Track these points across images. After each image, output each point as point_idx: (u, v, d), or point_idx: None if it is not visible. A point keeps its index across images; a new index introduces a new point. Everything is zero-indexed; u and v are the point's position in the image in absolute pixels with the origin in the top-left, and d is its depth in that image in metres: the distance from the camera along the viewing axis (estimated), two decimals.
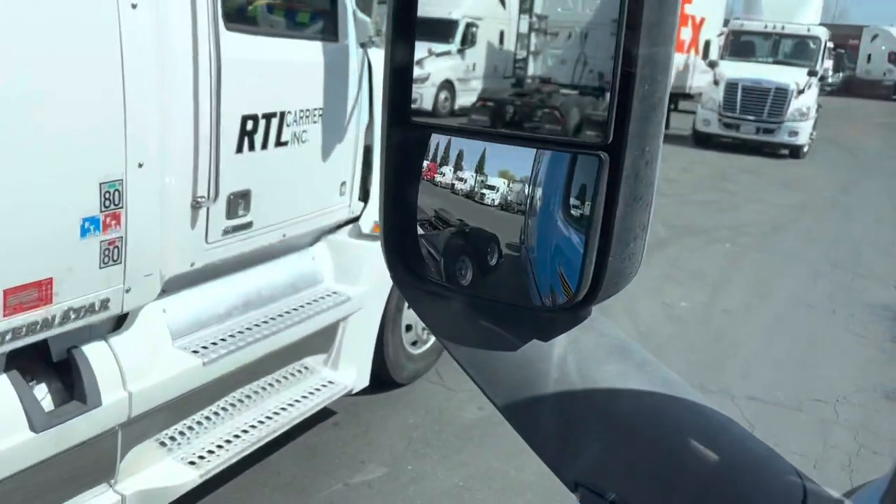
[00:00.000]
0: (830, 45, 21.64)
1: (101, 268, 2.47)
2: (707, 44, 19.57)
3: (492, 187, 0.60)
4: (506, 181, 0.59)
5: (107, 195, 2.41)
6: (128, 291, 2.61)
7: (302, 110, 3.40)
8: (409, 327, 4.50)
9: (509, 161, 0.60)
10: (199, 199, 2.93)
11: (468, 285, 0.64)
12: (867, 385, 5.43)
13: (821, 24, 19.65)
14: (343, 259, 3.96)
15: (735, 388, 5.16)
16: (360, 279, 3.94)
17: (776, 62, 18.21)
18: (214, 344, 3.15)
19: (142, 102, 2.47)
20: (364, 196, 4.09)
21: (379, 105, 3.52)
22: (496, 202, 0.59)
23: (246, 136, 3.12)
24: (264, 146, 3.23)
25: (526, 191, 0.58)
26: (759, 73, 17.41)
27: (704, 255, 8.49)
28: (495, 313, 0.64)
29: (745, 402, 4.94)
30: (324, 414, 4.14)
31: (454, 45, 13.24)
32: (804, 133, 17.30)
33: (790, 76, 17.17)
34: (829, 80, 22.97)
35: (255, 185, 3.24)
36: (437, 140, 0.64)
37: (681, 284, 7.34)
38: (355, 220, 4.04)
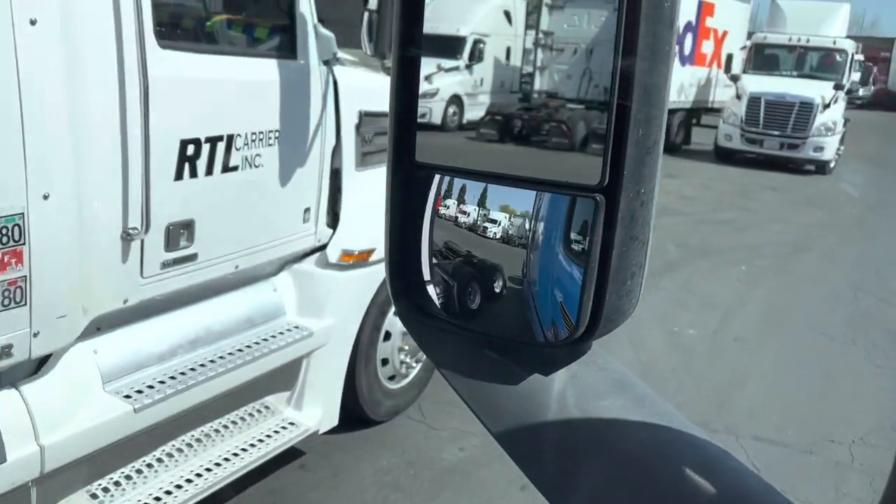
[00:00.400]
0: (860, 57, 21.11)
1: None
2: (729, 57, 19.15)
3: (494, 221, 0.61)
4: (507, 215, 0.60)
5: (3, 231, 2.18)
6: (36, 335, 2.37)
7: (254, 133, 3.16)
8: (385, 361, 4.23)
9: (510, 196, 0.61)
10: (129, 231, 2.70)
11: (472, 320, 0.65)
12: (887, 423, 5.03)
13: (848, 37, 19.13)
14: (308, 290, 3.70)
15: (741, 427, 4.80)
16: (325, 312, 3.68)
17: (801, 76, 17.74)
18: (151, 387, 2.90)
19: (46, 128, 2.24)
20: (333, 222, 3.84)
21: (346, 125, 3.27)
22: (498, 236, 0.61)
23: (186, 161, 2.88)
24: (209, 172, 2.98)
25: (527, 225, 0.59)
26: (783, 87, 16.97)
27: (718, 278, 8.11)
28: (498, 347, 0.65)
29: (752, 444, 4.58)
30: (291, 454, 3.87)
31: (462, 61, 13.34)
32: (830, 148, 16.80)
33: (815, 90, 16.70)
34: (860, 93, 22.36)
35: (200, 215, 3.00)
36: (441, 175, 0.65)
37: (690, 310, 6.98)
38: (323, 248, 3.79)
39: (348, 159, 3.81)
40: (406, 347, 4.27)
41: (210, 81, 2.95)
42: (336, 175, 3.79)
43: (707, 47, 19.65)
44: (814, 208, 12.98)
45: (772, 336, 6.59)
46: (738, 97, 17.50)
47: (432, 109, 12.17)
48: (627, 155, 0.54)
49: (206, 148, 2.94)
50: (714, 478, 0.56)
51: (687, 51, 18.59)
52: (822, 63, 17.89)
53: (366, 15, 3.11)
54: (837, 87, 16.97)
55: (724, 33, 20.34)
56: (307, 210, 3.62)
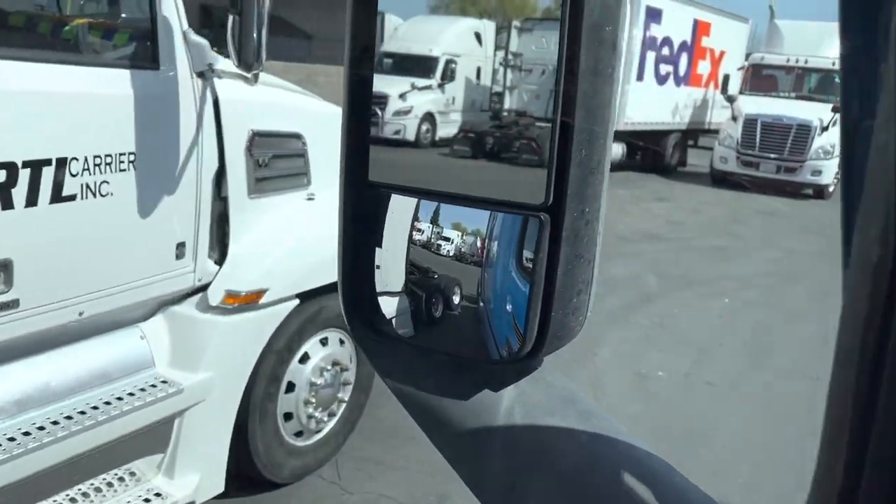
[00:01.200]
0: None
1: None
2: (726, 78, 18.68)
3: (447, 239, 0.62)
4: (459, 233, 0.61)
5: None
6: None
7: (98, 156, 2.66)
8: (289, 416, 3.70)
9: (462, 214, 0.61)
10: None
11: (426, 338, 0.66)
12: None
13: None
14: (183, 338, 3.19)
15: (702, 490, 4.24)
16: (202, 363, 3.16)
17: (799, 97, 17.27)
18: None
19: None
20: (220, 257, 3.34)
21: (232, 146, 2.77)
22: (451, 253, 0.62)
23: None
24: (31, 203, 2.48)
25: (478, 243, 0.61)
26: (780, 109, 16.51)
27: (697, 313, 7.56)
28: (450, 364, 0.66)
29: None
30: None
31: (435, 80, 13.38)
32: (829, 172, 16.28)
33: (813, 112, 16.22)
34: None
35: (20, 253, 2.50)
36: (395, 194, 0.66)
37: (662, 349, 6.43)
38: (207, 287, 3.28)
39: (237, 186, 3.31)
40: (313, 400, 3.75)
41: (28, 94, 2.45)
42: (224, 204, 3.30)
43: (703, 67, 19.22)
44: (809, 235, 12.43)
45: (749, 380, 6.03)
46: (735, 119, 17.06)
47: (406, 126, 12.08)
48: (571, 174, 0.55)
49: (24, 174, 2.45)
50: (659, 492, 0.56)
51: (682, 71, 18.17)
52: (821, 84, 17.39)
53: (230, 19, 2.63)
54: (836, 109, 16.44)
55: (722, 53, 19.92)
56: (181, 245, 3.11)
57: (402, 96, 12.00)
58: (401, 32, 10.95)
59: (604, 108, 0.55)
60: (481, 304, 0.61)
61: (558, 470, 0.60)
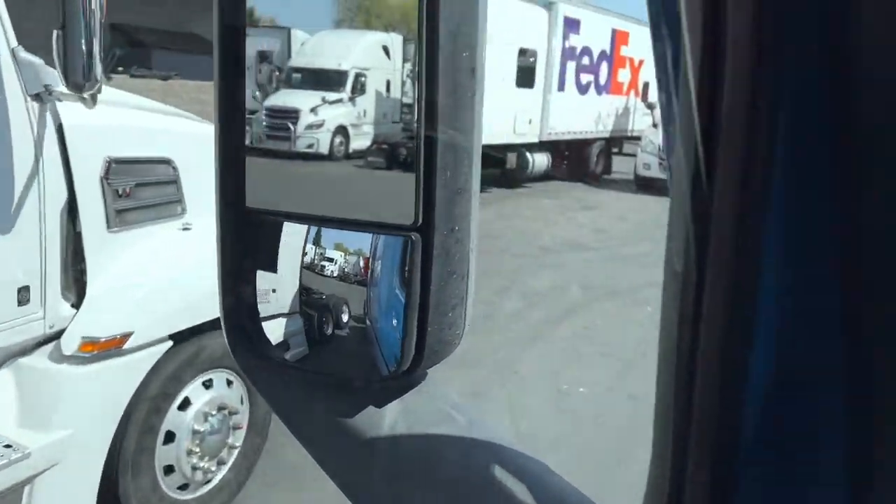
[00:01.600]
0: None
1: None
2: (646, 85, 18.98)
3: (330, 259, 0.63)
4: (342, 254, 0.62)
5: None
6: None
7: None
8: (170, 468, 3.35)
9: (343, 234, 0.62)
10: None
11: (314, 360, 0.66)
12: None
13: None
14: (32, 393, 2.83)
15: None
16: (54, 421, 2.81)
17: None
18: None
19: None
20: (79, 300, 2.99)
21: (83, 176, 2.44)
22: (335, 273, 0.62)
23: None
24: None
25: (361, 262, 0.61)
26: None
27: (621, 323, 7.46)
28: (337, 385, 0.66)
29: None
30: None
31: (345, 94, 13.09)
32: None
33: None
34: None
35: None
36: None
37: (585, 363, 6.28)
38: (62, 334, 2.93)
39: (93, 219, 2.98)
40: (198, 450, 3.41)
41: None
42: (78, 240, 2.96)
43: (623, 76, 19.48)
44: None
45: None
46: (655, 125, 17.29)
47: (319, 140, 11.74)
48: (437, 196, 0.56)
49: None
50: (536, 494, 0.58)
51: (602, 80, 18.36)
52: None
53: (54, 35, 2.31)
54: None
55: (641, 62, 20.23)
56: (24, 289, 2.76)
57: (313, 110, 11.68)
58: (308, 48, 10.65)
59: (466, 131, 0.57)
60: (368, 322, 0.62)
61: (438, 478, 0.61)
